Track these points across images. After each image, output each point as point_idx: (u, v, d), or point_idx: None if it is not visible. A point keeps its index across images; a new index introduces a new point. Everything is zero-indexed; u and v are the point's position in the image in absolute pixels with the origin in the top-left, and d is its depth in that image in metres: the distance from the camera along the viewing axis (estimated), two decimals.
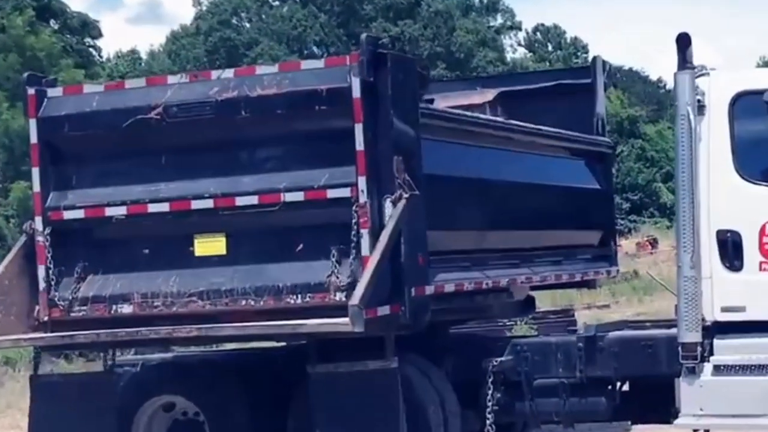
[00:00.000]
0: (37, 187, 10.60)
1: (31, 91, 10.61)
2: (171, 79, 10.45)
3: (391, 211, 9.77)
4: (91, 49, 79.43)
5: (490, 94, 14.26)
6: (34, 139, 10.61)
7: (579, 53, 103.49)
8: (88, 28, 78.85)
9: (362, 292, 9.40)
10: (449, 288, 10.89)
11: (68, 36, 75.39)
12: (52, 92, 10.66)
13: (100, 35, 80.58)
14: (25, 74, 10.94)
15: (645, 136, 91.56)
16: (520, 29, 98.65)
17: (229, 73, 10.20)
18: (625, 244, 59.16)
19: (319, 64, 10.12)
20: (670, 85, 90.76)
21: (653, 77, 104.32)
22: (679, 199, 10.82)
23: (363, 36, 9.83)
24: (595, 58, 14.34)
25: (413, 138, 10.15)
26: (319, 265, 9.82)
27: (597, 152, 14.28)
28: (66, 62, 69.41)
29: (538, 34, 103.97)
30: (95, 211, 10.45)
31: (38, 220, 10.60)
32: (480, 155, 11.65)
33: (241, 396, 10.87)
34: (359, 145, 9.67)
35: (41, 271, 10.56)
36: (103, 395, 10.84)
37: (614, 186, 15.01)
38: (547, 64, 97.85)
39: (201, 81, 10.28)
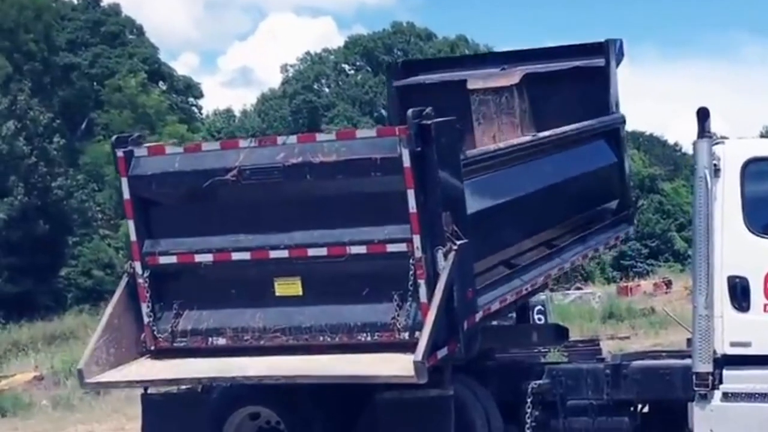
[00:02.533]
0: (133, 236, 10.53)
1: (120, 153, 10.47)
2: (242, 143, 10.31)
3: (443, 263, 9.67)
4: (193, 108, 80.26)
5: (516, 76, 13.83)
6: (126, 195, 10.52)
7: None
8: (191, 89, 79.67)
9: (423, 349, 9.34)
10: (495, 306, 10.81)
11: (174, 96, 76.20)
12: (138, 152, 10.49)
13: (201, 95, 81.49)
14: (114, 137, 10.77)
15: (663, 192, 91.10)
16: None
17: (292, 139, 10.10)
18: (644, 284, 58.82)
19: (372, 133, 9.98)
20: (685, 148, 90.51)
21: (671, 141, 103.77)
22: (695, 248, 10.80)
23: (409, 112, 9.67)
24: (607, 41, 13.64)
25: (459, 190, 10.08)
26: (383, 308, 9.78)
27: (612, 129, 13.78)
28: (171, 118, 70.20)
29: None
30: (185, 257, 10.39)
31: (137, 264, 10.53)
32: (513, 175, 11.46)
33: (316, 408, 10.82)
34: (412, 208, 9.57)
35: (144, 308, 10.51)
36: (202, 410, 10.83)
37: (626, 151, 14.34)
38: None
39: (269, 146, 10.13)
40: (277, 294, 10.16)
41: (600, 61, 13.58)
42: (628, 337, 35.18)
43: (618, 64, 13.77)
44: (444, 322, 9.66)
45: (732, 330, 10.75)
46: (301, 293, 10.09)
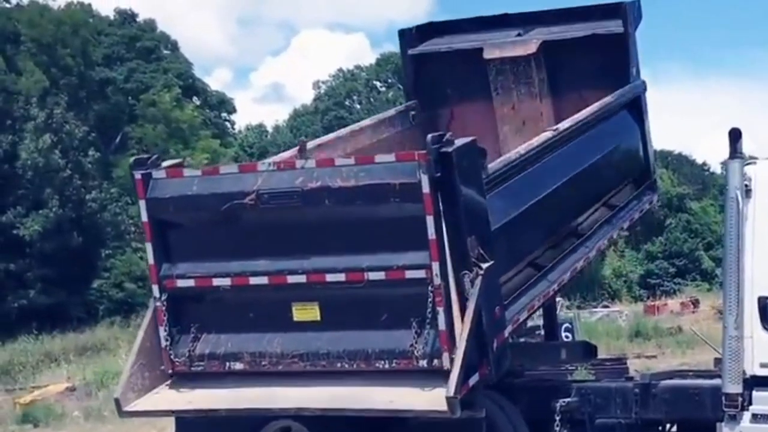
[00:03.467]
0: (151, 259, 10.31)
1: (138, 175, 10.24)
2: (261, 167, 10.10)
3: (470, 289, 9.49)
4: (226, 123, 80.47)
5: (533, 45, 13.45)
6: (144, 217, 10.30)
7: None
8: (224, 104, 79.97)
9: (455, 382, 9.17)
10: (523, 315, 10.67)
11: (207, 111, 76.51)
12: (156, 174, 10.27)
13: (234, 111, 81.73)
14: (132, 158, 10.57)
15: (691, 211, 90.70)
16: None
17: (311, 163, 9.87)
18: (671, 303, 58.58)
19: (391, 158, 9.63)
20: (713, 167, 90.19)
21: (699, 160, 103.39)
22: (726, 269, 10.68)
23: (429, 137, 9.45)
24: (625, 4, 13.09)
25: (483, 211, 9.88)
26: (402, 334, 9.53)
27: (633, 99, 13.28)
28: (205, 133, 70.46)
29: None
30: (203, 281, 10.17)
31: (155, 288, 10.32)
32: (535, 175, 11.15)
33: (347, 426, 10.69)
34: (431, 234, 9.31)
35: (162, 331, 10.32)
36: (235, 425, 10.60)
37: (647, 117, 13.59)
38: None
39: (288, 170, 9.89)
40: (295, 319, 9.94)
41: (618, 28, 13.13)
42: (655, 356, 35.06)
43: (636, 26, 13.33)
44: (474, 347, 9.48)
45: (762, 351, 10.62)
46: (319, 318, 9.87)
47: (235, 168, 10.36)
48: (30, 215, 53.93)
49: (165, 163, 10.46)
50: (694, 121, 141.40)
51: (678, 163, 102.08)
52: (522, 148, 11.06)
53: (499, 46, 13.59)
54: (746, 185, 10.70)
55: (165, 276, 10.26)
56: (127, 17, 75.16)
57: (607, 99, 12.60)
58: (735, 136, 10.75)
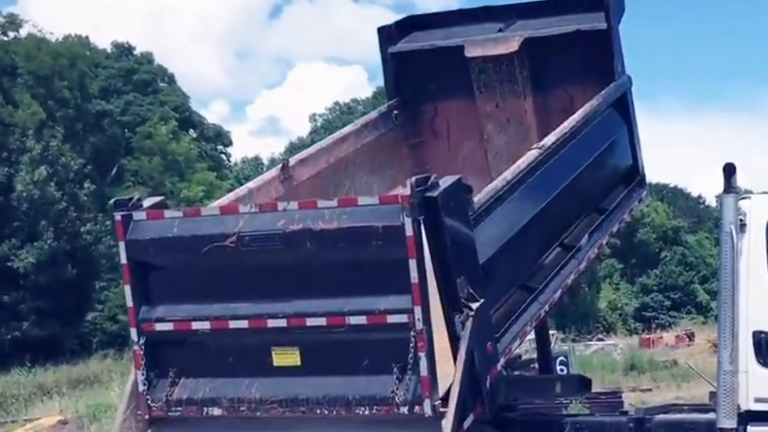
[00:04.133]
0: (130, 302, 10.10)
1: (117, 216, 10.08)
2: (242, 209, 9.87)
3: (460, 331, 9.36)
4: (222, 155, 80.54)
5: (515, 43, 13.19)
6: (123, 259, 10.09)
7: None
8: (221, 137, 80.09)
9: (450, 429, 9.07)
10: (515, 345, 10.57)
11: (204, 143, 76.58)
12: (137, 215, 10.09)
13: (230, 144, 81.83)
14: (112, 200, 10.39)
15: (686, 244, 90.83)
16: None
17: (293, 205, 9.66)
18: (666, 337, 58.46)
19: (374, 200, 9.47)
20: (708, 200, 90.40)
21: (694, 193, 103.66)
22: (721, 303, 10.64)
23: (412, 180, 9.30)
24: (607, 1, 12.78)
25: (471, 249, 9.73)
26: (383, 380, 9.33)
27: (618, 97, 12.96)
28: (201, 165, 70.50)
29: None
30: (182, 324, 9.97)
31: (133, 331, 10.12)
32: (523, 197, 10.94)
33: None
34: (414, 278, 9.12)
35: (139, 376, 10.10)
36: None
37: (633, 112, 13.20)
38: None
39: (269, 212, 9.71)
40: (274, 364, 9.75)
41: (601, 22, 12.88)
42: (650, 390, 34.92)
43: (619, 20, 13.13)
44: (467, 388, 9.34)
45: (757, 385, 10.57)
46: (299, 363, 9.69)
47: (217, 210, 10.11)
48: (25, 247, 53.82)
49: (146, 202, 10.28)
50: (690, 154, 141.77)
51: (673, 196, 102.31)
52: (509, 173, 10.83)
53: (481, 44, 13.41)
54: (741, 220, 10.67)
55: (143, 319, 10.06)
56: (124, 50, 75.36)
57: (593, 102, 12.39)
58: (729, 171, 10.73)
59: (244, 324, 9.75)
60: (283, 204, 9.76)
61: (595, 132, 12.33)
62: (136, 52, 75.99)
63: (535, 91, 13.58)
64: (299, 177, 12.11)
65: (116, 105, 70.06)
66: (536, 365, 13.68)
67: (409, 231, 9.07)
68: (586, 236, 12.08)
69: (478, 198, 10.13)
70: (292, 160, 12.19)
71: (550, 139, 11.54)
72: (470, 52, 13.43)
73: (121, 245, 10.10)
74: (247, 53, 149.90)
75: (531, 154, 11.19)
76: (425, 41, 13.78)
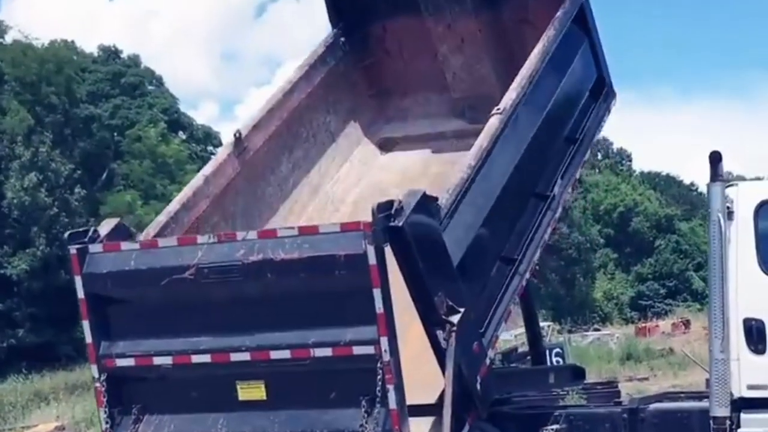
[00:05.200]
0: (89, 338, 9.76)
1: (73, 250, 9.67)
2: (200, 239, 9.49)
3: (446, 347, 9.17)
4: (212, 156, 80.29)
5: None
6: (81, 294, 9.70)
7: (624, 161, 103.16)
8: (210, 138, 79.93)
9: None
10: (501, 329, 10.40)
11: (194, 145, 76.49)
12: (93, 248, 9.70)
13: (220, 144, 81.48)
14: (67, 233, 10.00)
15: (679, 232, 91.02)
16: None
17: (253, 234, 9.33)
18: (662, 325, 58.54)
19: (336, 228, 9.11)
20: (701, 188, 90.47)
21: (686, 181, 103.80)
22: (711, 292, 10.65)
23: (374, 206, 8.91)
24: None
25: (445, 262, 9.47)
26: (351, 413, 9.03)
27: (576, 13, 12.17)
28: (191, 167, 70.36)
29: None
30: (144, 360, 9.62)
31: (94, 368, 9.79)
32: (491, 171, 10.48)
33: None
34: (379, 308, 8.77)
35: (101, 413, 9.77)
36: None
37: (593, 23, 12.46)
38: (597, 170, 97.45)
39: (228, 242, 9.34)
40: (240, 398, 9.44)
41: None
42: (647, 379, 34.96)
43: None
44: (459, 401, 9.19)
45: (749, 373, 10.59)
46: (265, 397, 9.38)
47: (174, 241, 9.74)
48: (17, 254, 53.82)
49: (103, 227, 9.98)
50: (682, 142, 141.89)
51: (666, 184, 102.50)
52: (471, 158, 10.30)
53: None
54: (728, 207, 10.68)
55: (104, 355, 9.74)
56: (110, 54, 75.30)
57: (550, 33, 11.69)
58: (715, 159, 10.74)
59: (206, 358, 9.42)
60: (242, 234, 9.44)
61: (555, 67, 11.77)
62: (123, 55, 76.01)
63: (487, 7, 12.97)
64: (254, 145, 11.72)
65: (104, 109, 70.00)
66: (529, 357, 13.65)
67: (372, 260, 8.76)
68: (559, 179, 11.72)
69: (445, 200, 9.74)
70: (245, 129, 11.72)
71: (509, 98, 10.96)
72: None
73: (78, 280, 9.71)
74: (234, 53, 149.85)
75: (492, 125, 10.68)
76: None
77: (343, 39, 13.03)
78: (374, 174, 12.98)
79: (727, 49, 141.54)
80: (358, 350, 8.93)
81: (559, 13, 11.87)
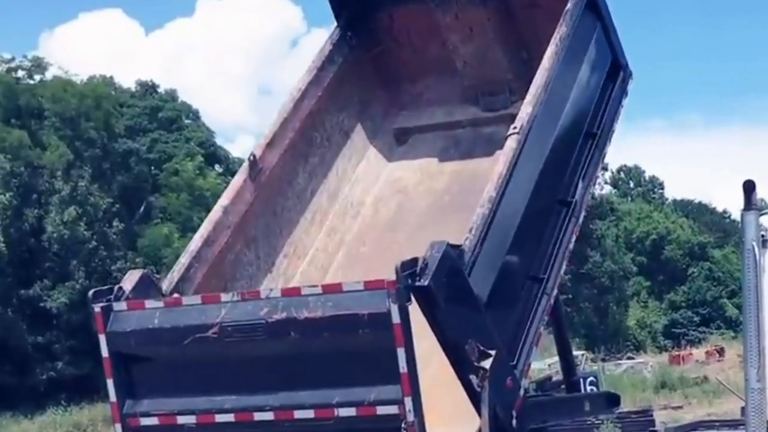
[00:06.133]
0: (113, 397, 9.56)
1: (97, 308, 9.56)
2: (224, 297, 9.35)
3: (480, 391, 8.97)
4: None
5: None
6: (105, 353, 9.54)
7: (656, 189, 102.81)
8: None
9: None
10: (533, 355, 10.14)
11: (230, 177, 76.42)
12: (117, 306, 9.58)
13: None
14: (91, 291, 9.91)
15: (712, 259, 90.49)
16: (606, 169, 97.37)
17: (276, 293, 9.21)
18: (696, 353, 58.15)
19: (359, 286, 8.87)
20: (734, 215, 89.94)
21: (719, 208, 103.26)
22: (746, 321, 10.53)
23: (398, 264, 8.67)
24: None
25: (473, 309, 9.24)
26: None
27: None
28: None
29: (621, 173, 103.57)
30: (167, 418, 9.41)
31: (118, 426, 9.57)
32: (513, 193, 10.13)
33: None
34: (402, 368, 8.58)
35: None
36: None
37: (605, 6, 12.05)
38: (629, 199, 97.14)
39: (252, 301, 9.22)
40: None
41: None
42: (681, 407, 34.74)
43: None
44: None
45: None
46: None
47: (198, 299, 9.59)
48: (56, 287, 54.16)
49: (128, 281, 9.90)
50: (713, 169, 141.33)
51: (698, 211, 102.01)
52: (492, 188, 9.93)
53: None
54: (763, 236, 10.58)
55: (128, 414, 9.52)
56: (148, 88, 75.79)
57: (561, 30, 11.26)
58: (749, 187, 10.63)
59: (230, 417, 9.24)
60: (266, 291, 9.38)
61: (569, 66, 11.42)
62: (160, 89, 76.47)
63: None
64: (269, 163, 11.50)
65: (142, 143, 70.42)
66: (564, 386, 13.52)
67: (396, 318, 8.57)
68: (580, 182, 11.39)
69: (469, 241, 9.46)
70: (258, 149, 11.50)
71: (525, 114, 10.58)
72: None
73: (102, 338, 9.58)
74: (269, 86, 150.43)
75: (509, 147, 10.33)
76: None
77: (349, 33, 12.67)
78: (392, 171, 12.67)
79: (756, 75, 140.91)
80: (381, 410, 8.73)
81: (569, 6, 11.48)
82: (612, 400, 13.21)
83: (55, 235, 54.83)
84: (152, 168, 69.77)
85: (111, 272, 55.55)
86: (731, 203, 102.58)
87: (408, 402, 8.64)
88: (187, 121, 76.18)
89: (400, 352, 8.62)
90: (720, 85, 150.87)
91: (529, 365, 10.32)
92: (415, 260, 8.76)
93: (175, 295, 10.01)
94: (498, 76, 12.58)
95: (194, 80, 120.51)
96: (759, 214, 10.62)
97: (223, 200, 11.18)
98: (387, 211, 12.24)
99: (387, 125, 13.03)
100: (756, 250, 10.45)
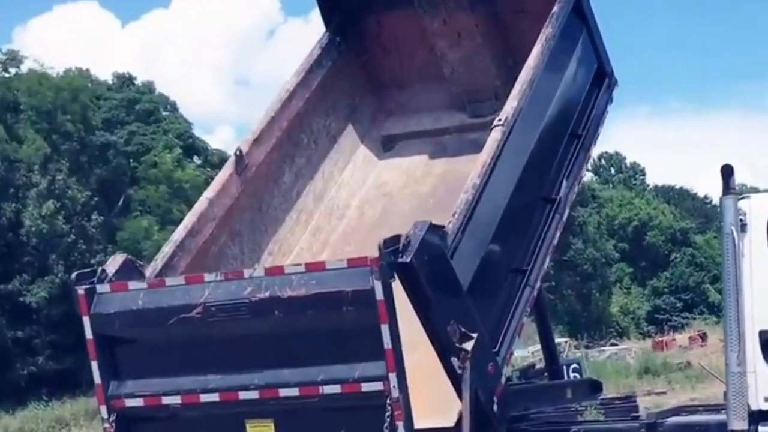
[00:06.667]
0: (97, 378, 9.61)
1: (80, 290, 9.60)
2: (207, 277, 9.39)
3: (461, 373, 9.10)
4: None
5: None
6: (89, 335, 9.58)
7: (637, 176, 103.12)
8: (225, 162, 79.93)
9: None
10: (514, 344, 10.31)
11: (209, 169, 76.42)
12: (100, 288, 9.63)
13: None
14: (74, 274, 9.89)
15: (694, 245, 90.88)
16: None
17: (260, 272, 9.27)
18: (679, 338, 58.41)
19: (343, 264, 8.97)
20: (715, 200, 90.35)
21: (700, 193, 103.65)
22: (726, 305, 10.60)
23: (381, 242, 8.76)
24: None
25: (455, 291, 9.37)
26: None
27: (573, 4, 11.95)
28: None
29: (603, 160, 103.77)
30: (153, 399, 9.49)
31: (103, 408, 9.65)
32: (497, 183, 10.29)
33: None
34: (387, 344, 8.68)
35: None
36: None
37: (590, 12, 12.29)
38: (610, 185, 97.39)
39: (235, 280, 9.26)
40: None
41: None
42: (664, 392, 34.94)
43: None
44: (476, 425, 9.08)
45: (766, 385, 10.52)
46: None
47: (182, 280, 9.64)
48: (36, 282, 54.00)
49: (111, 265, 9.93)
50: (695, 155, 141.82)
51: (680, 197, 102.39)
52: (475, 175, 10.09)
53: None
54: (741, 220, 10.63)
55: (113, 396, 9.60)
56: (125, 81, 75.58)
57: (547, 31, 11.45)
58: (727, 172, 10.69)
59: (215, 397, 9.33)
60: (249, 271, 9.40)
61: (555, 66, 11.60)
62: (137, 82, 76.26)
63: (484, 0, 12.73)
64: (256, 159, 11.59)
65: (120, 136, 70.18)
66: (546, 374, 13.59)
67: (379, 295, 8.65)
68: (564, 181, 11.57)
69: (452, 225, 9.58)
70: (245, 145, 11.60)
71: (510, 108, 10.72)
72: None
73: (86, 320, 9.61)
74: (246, 77, 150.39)
75: (494, 138, 10.48)
76: None
77: (338, 38, 12.80)
78: (378, 175, 12.77)
79: (738, 62, 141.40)
80: (366, 387, 8.83)
81: (555, 8, 11.66)
82: (594, 388, 13.28)
83: (33, 229, 54.65)
84: (130, 160, 69.56)
85: (91, 266, 54.68)
86: (712, 189, 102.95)
87: (393, 378, 8.74)
88: (164, 113, 75.96)
89: (384, 329, 8.70)
90: (704, 71, 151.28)
91: (512, 353, 10.41)
92: (397, 237, 8.85)
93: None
94: (485, 83, 12.67)
95: (171, 72, 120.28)
96: (737, 198, 10.69)
97: (209, 192, 11.27)
98: (372, 213, 12.30)
99: (374, 131, 13.14)
100: (734, 234, 10.51)
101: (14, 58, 64.63)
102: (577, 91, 12.19)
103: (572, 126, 11.94)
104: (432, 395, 9.36)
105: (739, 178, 10.86)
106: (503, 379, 9.99)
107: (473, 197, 9.95)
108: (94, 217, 58.66)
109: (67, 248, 55.15)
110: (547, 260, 11.09)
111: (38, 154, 58.10)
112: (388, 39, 13.14)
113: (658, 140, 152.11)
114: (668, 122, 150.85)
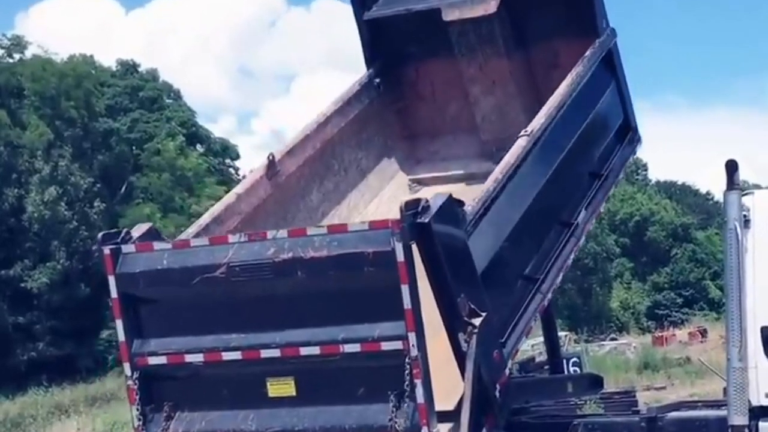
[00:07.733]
0: (122, 336, 9.85)
1: (106, 250, 9.81)
2: (231, 239, 9.61)
3: (466, 349, 9.21)
4: (230, 169, 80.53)
5: (493, 3, 12.66)
6: (114, 293, 9.82)
7: (639, 171, 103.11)
8: (228, 151, 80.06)
9: None
10: (521, 343, 10.44)
11: (211, 158, 76.62)
12: (126, 249, 9.83)
13: (237, 157, 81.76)
14: (100, 234, 10.12)
15: (696, 241, 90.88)
16: None
17: (283, 233, 9.40)
18: (679, 334, 58.46)
19: (364, 226, 9.20)
20: (717, 196, 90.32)
21: (702, 190, 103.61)
22: (728, 300, 10.62)
23: (402, 204, 9.01)
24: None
25: (468, 266, 9.52)
26: (379, 409, 9.09)
27: (604, 55, 12.43)
28: (210, 180, 70.60)
29: None
30: (175, 357, 9.71)
31: (126, 366, 9.85)
32: (517, 188, 10.58)
33: None
34: (407, 304, 8.85)
35: (134, 411, 9.87)
36: None
37: (620, 65, 12.79)
38: None
39: (258, 241, 9.44)
40: (270, 395, 9.49)
41: None
42: (664, 388, 34.96)
43: None
44: (477, 403, 9.18)
45: (767, 381, 10.56)
46: (294, 394, 9.44)
47: (206, 241, 9.86)
48: (37, 268, 54.05)
49: (135, 232, 10.08)
50: (696, 151, 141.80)
51: (682, 193, 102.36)
52: (498, 172, 10.45)
53: (458, 7, 12.90)
54: (744, 216, 10.65)
55: (136, 353, 9.81)
56: (129, 68, 75.53)
57: (578, 69, 11.91)
58: (732, 167, 10.71)
59: (237, 355, 9.53)
60: (273, 233, 9.52)
61: (583, 101, 11.98)
62: (141, 69, 76.21)
63: (518, 50, 13.17)
64: (287, 170, 11.88)
65: (123, 123, 70.23)
66: (547, 367, 13.60)
67: (400, 256, 8.85)
68: (583, 210, 11.88)
69: (471, 207, 9.83)
70: (278, 153, 11.88)
71: (538, 122, 11.13)
72: (447, 16, 12.96)
73: (111, 279, 9.84)
74: (250, 66, 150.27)
75: (519, 145, 10.82)
76: (400, 5, 13.27)
77: (377, 80, 13.29)
78: None
79: (740, 57, 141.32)
80: (386, 346, 9.00)
81: (587, 53, 12.11)
82: (595, 383, 13.30)
83: (35, 215, 54.69)
84: (133, 148, 69.61)
85: (92, 252, 55.40)
86: (714, 185, 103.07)
87: (412, 337, 8.90)
88: (168, 101, 75.96)
89: (404, 289, 8.86)
90: (704, 67, 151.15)
91: (517, 351, 10.48)
92: (418, 200, 9.06)
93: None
94: (514, 132, 12.75)
95: (175, 60, 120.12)
96: (741, 193, 10.71)
97: (238, 188, 11.57)
98: None
99: (403, 173, 13.63)
100: (738, 229, 10.53)
101: (18, 44, 64.71)
102: (601, 133, 12.62)
103: (594, 165, 12.37)
104: (436, 384, 9.33)
105: (741, 175, 10.87)
106: (507, 372, 10.03)
107: (494, 189, 10.21)
108: (96, 203, 58.69)
109: (69, 234, 55.19)
110: (560, 277, 11.29)
111: (41, 140, 58.13)
112: (424, 86, 13.59)
113: (661, 136, 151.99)
114: (670, 118, 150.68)
